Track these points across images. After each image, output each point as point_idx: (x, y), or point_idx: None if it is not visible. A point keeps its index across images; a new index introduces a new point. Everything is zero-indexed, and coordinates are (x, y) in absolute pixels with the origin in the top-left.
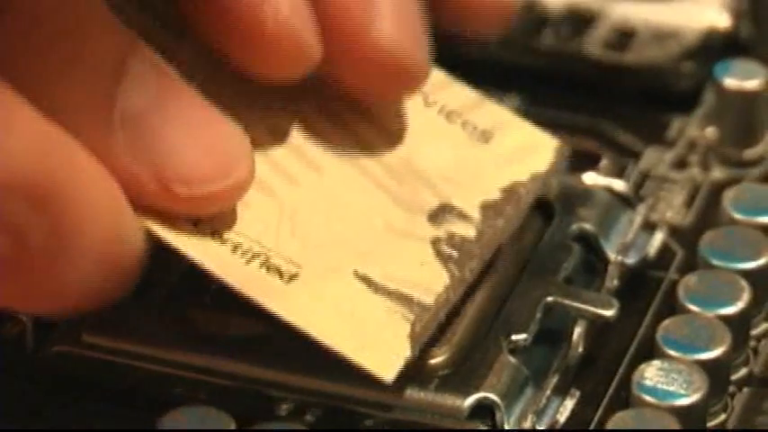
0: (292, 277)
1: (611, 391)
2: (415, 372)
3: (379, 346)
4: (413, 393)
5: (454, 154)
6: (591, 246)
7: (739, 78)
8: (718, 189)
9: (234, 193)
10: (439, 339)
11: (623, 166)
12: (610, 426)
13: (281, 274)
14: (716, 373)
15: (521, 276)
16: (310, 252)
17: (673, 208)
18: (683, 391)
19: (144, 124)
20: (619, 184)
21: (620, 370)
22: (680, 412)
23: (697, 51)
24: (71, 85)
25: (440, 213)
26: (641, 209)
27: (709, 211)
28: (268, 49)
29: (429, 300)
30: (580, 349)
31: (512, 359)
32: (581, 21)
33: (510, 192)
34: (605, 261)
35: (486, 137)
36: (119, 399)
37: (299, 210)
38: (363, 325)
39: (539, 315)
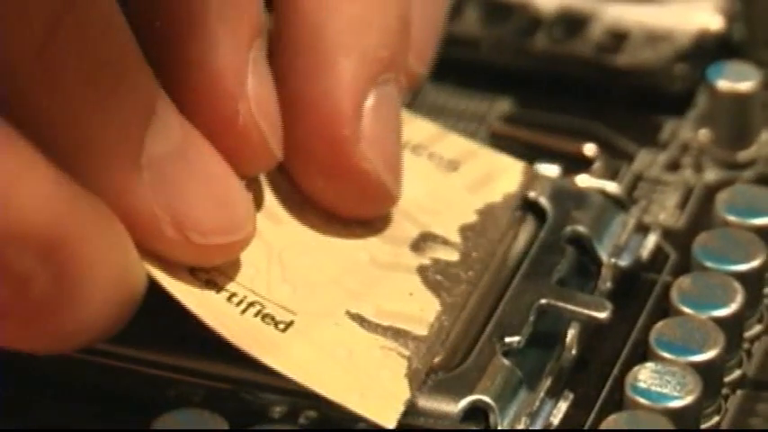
0: (288, 326)
1: (604, 393)
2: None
3: (378, 392)
4: None
5: (426, 185)
6: (584, 248)
7: (732, 80)
8: (711, 191)
9: (241, 246)
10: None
11: (616, 169)
12: (603, 428)
13: (276, 324)
14: (709, 375)
15: (514, 279)
16: (302, 295)
17: (666, 210)
18: (676, 394)
19: (168, 169)
20: (612, 187)
21: (614, 372)
22: (673, 414)
23: (690, 53)
24: (104, 121)
25: (422, 242)
26: (634, 211)
27: (702, 213)
28: (237, 141)
29: (423, 331)
30: (573, 351)
31: (505, 361)
32: (574, 23)
33: (486, 213)
34: (599, 263)
35: (453, 166)
36: (112, 401)
37: (286, 250)
38: (361, 370)
39: (532, 317)
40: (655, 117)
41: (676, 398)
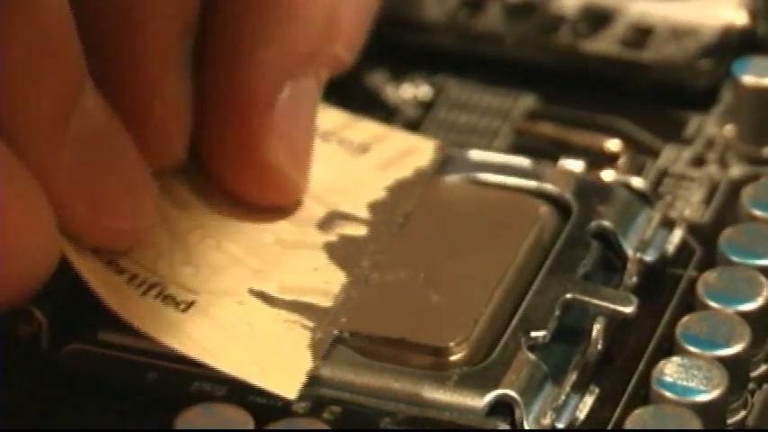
0: (189, 305)
1: (630, 387)
2: (434, 369)
3: (280, 365)
4: (432, 390)
5: (335, 167)
6: (610, 243)
7: (757, 75)
8: (736, 186)
9: (146, 233)
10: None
11: (642, 164)
12: (629, 423)
13: (177, 304)
14: (735, 369)
15: (539, 273)
16: (205, 276)
17: (691, 205)
18: (702, 388)
19: (89, 150)
20: (637, 182)
21: (640, 367)
22: (700, 409)
23: (715, 49)
24: (37, 95)
25: (329, 221)
26: (660, 206)
27: (727, 208)
28: (149, 134)
29: (327, 303)
30: (599, 346)
31: (531, 356)
32: (598, 18)
33: (396, 188)
34: (624, 258)
35: (363, 149)
36: (135, 397)
37: (191, 233)
38: (262, 344)
39: (557, 312)
40: (680, 112)
41: (703, 392)
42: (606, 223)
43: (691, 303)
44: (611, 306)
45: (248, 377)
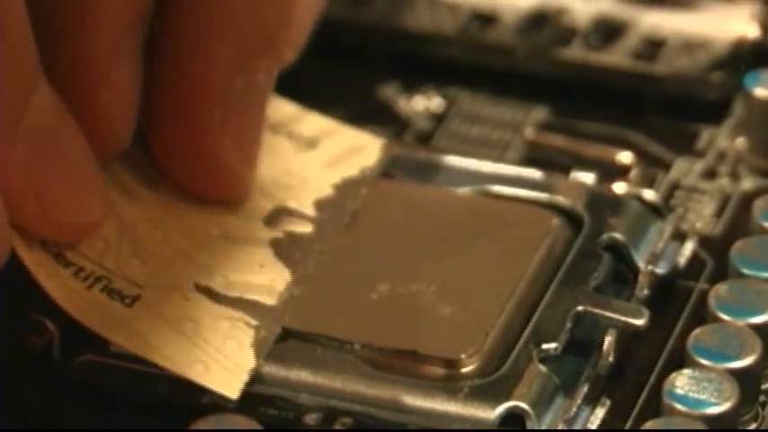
0: (134, 300)
1: (641, 399)
2: (445, 380)
3: (223, 364)
4: (444, 402)
5: (283, 162)
6: (621, 255)
7: None
8: (747, 199)
9: (94, 227)
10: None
11: (653, 176)
12: None
13: (122, 298)
14: (747, 381)
15: (551, 285)
16: (151, 269)
17: (702, 218)
18: (713, 400)
19: (40, 144)
20: (649, 194)
21: (651, 379)
22: (711, 421)
23: (726, 61)
24: None
25: (275, 216)
26: (671, 219)
27: (738, 221)
28: (94, 124)
29: (272, 301)
30: (610, 358)
31: (542, 368)
32: (610, 31)
33: (343, 187)
34: (635, 270)
35: (312, 143)
36: (147, 408)
37: (138, 225)
38: (206, 342)
39: (569, 324)
40: (691, 125)
41: (714, 404)
42: (618, 235)
43: (702, 316)
44: (623, 318)
45: (191, 375)
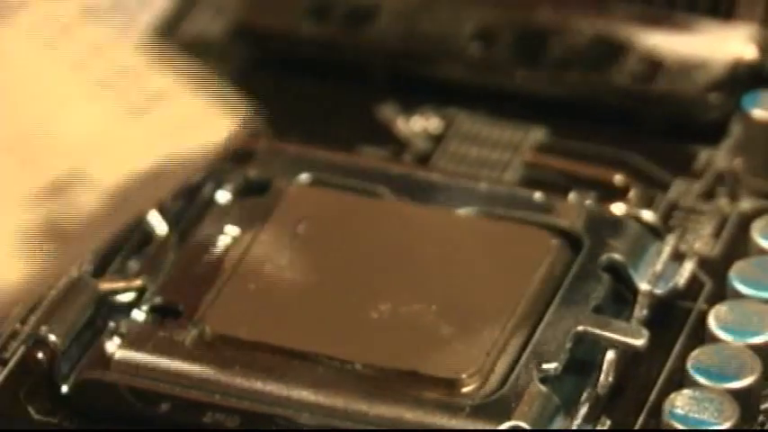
0: None
1: (641, 419)
2: (446, 400)
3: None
4: (445, 422)
5: (103, 123)
6: (620, 276)
7: (767, 109)
8: (746, 219)
9: None
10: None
11: (652, 197)
12: None
13: None
14: (746, 402)
15: (551, 306)
16: None
17: (701, 238)
18: (714, 420)
19: None
20: (648, 215)
21: (651, 399)
22: None
23: (724, 82)
24: None
25: (66, 183)
26: (670, 239)
27: (737, 242)
28: None
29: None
30: (610, 378)
31: (543, 388)
32: (608, 51)
33: (167, 164)
34: (634, 291)
35: (146, 108)
36: (148, 427)
37: None
38: None
39: (569, 344)
40: (689, 146)
41: (714, 424)
42: (617, 256)
43: (701, 336)
44: (622, 339)
45: None
